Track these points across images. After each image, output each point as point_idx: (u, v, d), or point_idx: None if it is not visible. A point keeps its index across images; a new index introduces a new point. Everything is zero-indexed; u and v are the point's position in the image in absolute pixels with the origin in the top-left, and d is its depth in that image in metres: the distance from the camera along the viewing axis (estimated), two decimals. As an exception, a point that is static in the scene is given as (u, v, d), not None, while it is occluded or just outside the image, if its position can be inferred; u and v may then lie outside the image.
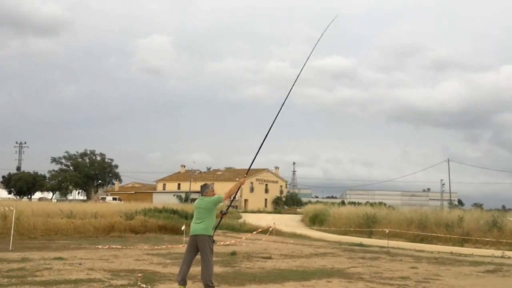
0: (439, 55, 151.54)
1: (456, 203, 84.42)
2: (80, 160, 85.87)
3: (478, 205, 68.42)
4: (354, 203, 53.01)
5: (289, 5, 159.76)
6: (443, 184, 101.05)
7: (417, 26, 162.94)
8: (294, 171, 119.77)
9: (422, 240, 23.94)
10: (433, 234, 23.83)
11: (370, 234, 26.60)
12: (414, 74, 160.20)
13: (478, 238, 22.61)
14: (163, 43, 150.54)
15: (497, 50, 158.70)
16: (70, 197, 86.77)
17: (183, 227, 16.46)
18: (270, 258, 13.75)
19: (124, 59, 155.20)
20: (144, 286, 8.39)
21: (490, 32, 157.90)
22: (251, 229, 25.38)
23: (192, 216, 8.29)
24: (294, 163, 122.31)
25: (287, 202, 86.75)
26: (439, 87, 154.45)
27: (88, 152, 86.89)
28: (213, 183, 8.64)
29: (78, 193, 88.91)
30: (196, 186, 56.43)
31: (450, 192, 77.98)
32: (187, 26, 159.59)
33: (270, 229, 22.58)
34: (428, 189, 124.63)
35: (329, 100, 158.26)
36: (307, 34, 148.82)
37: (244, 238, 20.77)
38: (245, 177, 8.21)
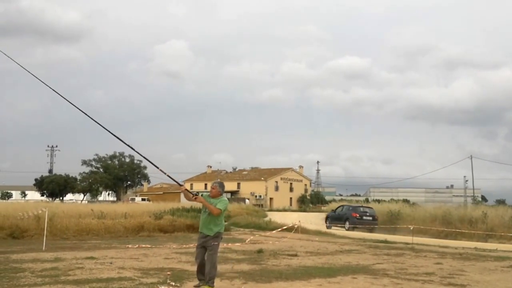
0: (451, 54, 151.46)
1: (480, 199, 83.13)
2: (109, 162, 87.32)
3: (501, 201, 67.18)
4: (378, 200, 52.67)
5: (302, 7, 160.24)
6: (467, 181, 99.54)
7: (428, 25, 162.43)
8: (318, 170, 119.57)
9: (446, 236, 23.74)
10: (457, 230, 23.63)
11: (394, 231, 26.48)
12: (427, 73, 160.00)
13: (502, 234, 22.34)
14: (182, 48, 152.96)
15: (509, 47, 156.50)
16: (100, 198, 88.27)
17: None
18: (296, 255, 13.85)
19: (145, 64, 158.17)
20: (173, 284, 8.53)
21: (501, 29, 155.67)
22: (277, 227, 25.50)
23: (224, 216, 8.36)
24: (318, 162, 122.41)
25: (312, 201, 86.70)
26: (453, 86, 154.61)
27: (117, 154, 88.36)
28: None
29: (108, 194, 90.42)
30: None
31: (473, 189, 76.80)
32: (204, 32, 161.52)
33: (296, 227, 22.72)
34: (452, 186, 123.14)
35: (346, 100, 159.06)
36: (321, 35, 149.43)
37: (270, 236, 20.94)
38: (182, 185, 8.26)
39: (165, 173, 7.80)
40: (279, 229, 22.70)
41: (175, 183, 7.98)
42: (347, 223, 28.40)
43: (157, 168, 7.84)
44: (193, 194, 7.92)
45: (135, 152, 7.98)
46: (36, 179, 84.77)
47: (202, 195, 8.10)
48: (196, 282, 8.30)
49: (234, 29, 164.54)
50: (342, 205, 34.19)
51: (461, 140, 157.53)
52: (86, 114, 8.14)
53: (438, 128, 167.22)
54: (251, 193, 79.79)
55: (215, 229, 7.93)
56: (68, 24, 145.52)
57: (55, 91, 8.40)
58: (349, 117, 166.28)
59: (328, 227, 28.88)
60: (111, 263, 11.28)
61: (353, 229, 26.50)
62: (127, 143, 7.90)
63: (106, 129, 7.85)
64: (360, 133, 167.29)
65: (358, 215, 29.16)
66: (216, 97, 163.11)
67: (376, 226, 27.84)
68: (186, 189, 7.94)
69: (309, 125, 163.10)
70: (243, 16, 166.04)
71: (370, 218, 29.13)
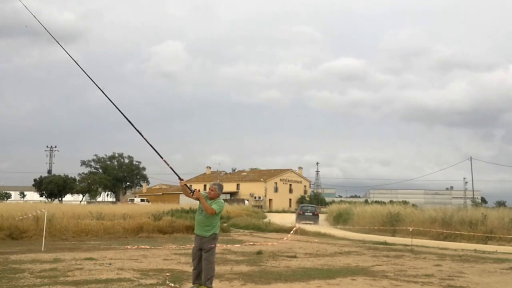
0: (446, 56, 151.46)
1: (479, 201, 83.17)
2: (108, 163, 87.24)
3: (501, 203, 67.23)
4: (377, 202, 52.86)
5: (297, 8, 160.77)
6: (466, 182, 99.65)
7: (423, 27, 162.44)
8: (317, 171, 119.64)
9: (445, 238, 23.69)
10: (456, 232, 23.61)
11: (393, 233, 26.47)
12: (422, 75, 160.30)
13: (502, 236, 22.33)
14: (178, 49, 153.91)
15: (503, 48, 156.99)
16: (99, 199, 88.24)
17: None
18: (295, 257, 13.85)
19: (141, 65, 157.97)
20: (173, 285, 8.56)
21: (496, 31, 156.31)
22: (276, 229, 25.52)
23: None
24: (317, 163, 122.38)
25: (312, 202, 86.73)
26: (449, 88, 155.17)
27: (117, 155, 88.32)
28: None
29: (107, 195, 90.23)
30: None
31: (473, 190, 76.81)
32: (200, 33, 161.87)
33: (295, 228, 22.72)
34: (451, 187, 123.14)
35: (342, 102, 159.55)
36: (316, 36, 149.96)
37: (269, 237, 20.93)
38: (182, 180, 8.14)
39: (168, 164, 7.87)
40: (284, 234, 22.61)
41: (176, 179, 8.01)
42: (297, 218, 35.62)
43: (161, 158, 7.92)
44: (191, 190, 7.95)
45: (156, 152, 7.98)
46: (35, 180, 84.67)
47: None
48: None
49: (230, 30, 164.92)
50: (300, 205, 46.70)
51: (458, 142, 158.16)
52: (126, 118, 8.19)
53: (434, 129, 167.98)
54: (250, 194, 79.78)
55: (212, 230, 7.93)
56: (64, 24, 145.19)
57: (106, 95, 8.47)
58: (345, 118, 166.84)
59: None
60: (110, 264, 11.29)
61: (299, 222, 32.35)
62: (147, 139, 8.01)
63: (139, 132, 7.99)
64: (357, 135, 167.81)
65: (301, 212, 38.18)
66: (212, 98, 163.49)
67: (317, 220, 36.14)
68: (185, 184, 7.97)
69: (306, 126, 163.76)
70: (238, 17, 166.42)
71: (311, 214, 37.70)
